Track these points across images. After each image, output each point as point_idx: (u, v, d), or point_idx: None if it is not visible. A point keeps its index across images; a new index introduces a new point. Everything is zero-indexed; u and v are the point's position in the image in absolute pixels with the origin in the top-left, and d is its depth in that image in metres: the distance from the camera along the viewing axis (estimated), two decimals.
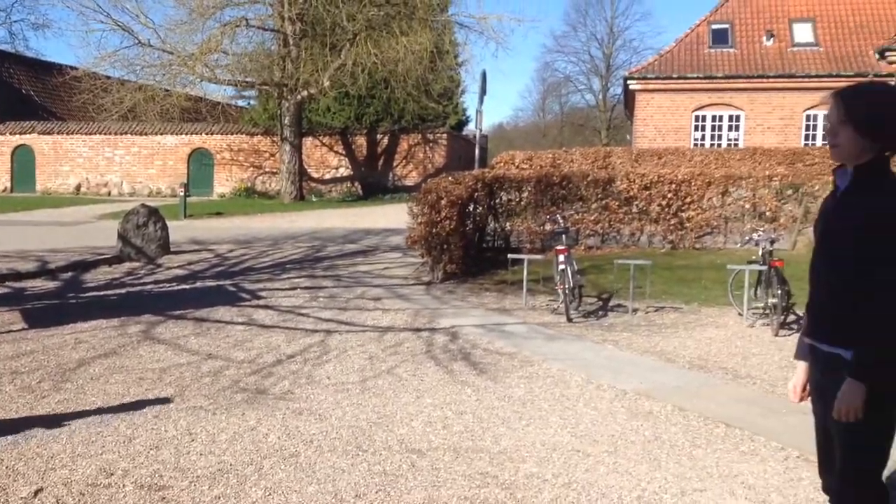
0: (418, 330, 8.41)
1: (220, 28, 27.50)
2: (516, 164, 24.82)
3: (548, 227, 13.08)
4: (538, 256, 11.37)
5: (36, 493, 4.07)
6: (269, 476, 4.41)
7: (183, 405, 5.64)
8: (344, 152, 34.48)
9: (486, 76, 21.66)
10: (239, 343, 7.66)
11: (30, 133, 35.45)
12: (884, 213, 2.68)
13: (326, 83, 27.81)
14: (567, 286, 9.10)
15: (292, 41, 28.05)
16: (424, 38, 26.79)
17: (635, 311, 9.52)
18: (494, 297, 10.51)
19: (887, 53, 27.27)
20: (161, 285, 11.21)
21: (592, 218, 14.10)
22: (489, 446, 4.93)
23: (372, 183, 33.63)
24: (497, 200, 13.98)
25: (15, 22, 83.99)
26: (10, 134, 35.47)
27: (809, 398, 3.09)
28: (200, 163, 34.32)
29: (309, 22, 27.83)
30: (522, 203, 14.07)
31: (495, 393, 6.10)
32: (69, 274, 11.66)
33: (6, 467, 4.40)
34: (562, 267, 9.22)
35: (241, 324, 8.58)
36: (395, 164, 34.65)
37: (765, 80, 28.19)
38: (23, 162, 35.56)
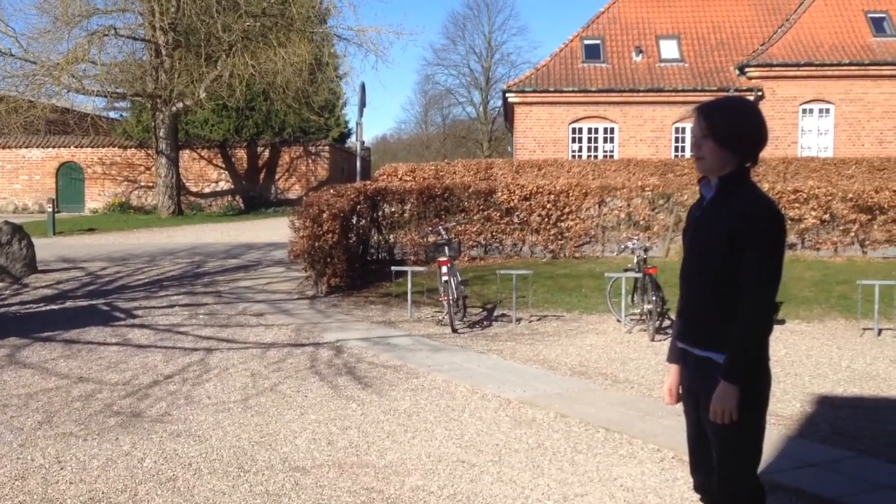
0: (302, 345, 8.29)
1: (86, 37, 26.44)
2: (399, 176, 24.86)
3: (431, 238, 13.16)
4: (422, 268, 11.42)
5: None
6: (145, 503, 4.24)
7: (52, 431, 5.36)
8: (224, 165, 33.74)
9: (364, 88, 21.75)
10: (113, 364, 7.35)
11: None
12: (745, 222, 2.82)
13: (203, 95, 27.17)
14: (451, 297, 9.17)
15: (165, 51, 27.27)
16: (303, 50, 26.58)
17: (519, 320, 9.68)
18: (379, 310, 10.48)
19: (747, 70, 28.89)
20: (27, 306, 10.64)
21: (475, 229, 14.26)
22: (374, 461, 4.90)
23: (254, 196, 33.03)
24: (380, 213, 13.95)
25: None
26: None
27: (682, 401, 3.21)
28: (70, 177, 32.86)
29: (182, 32, 27.14)
30: (406, 215, 14.10)
31: (381, 406, 6.07)
32: None
33: None
34: (445, 278, 9.29)
35: (115, 344, 8.23)
36: (277, 177, 34.16)
37: (636, 93, 29.30)
38: None
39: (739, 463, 2.93)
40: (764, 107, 26.54)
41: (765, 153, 3.22)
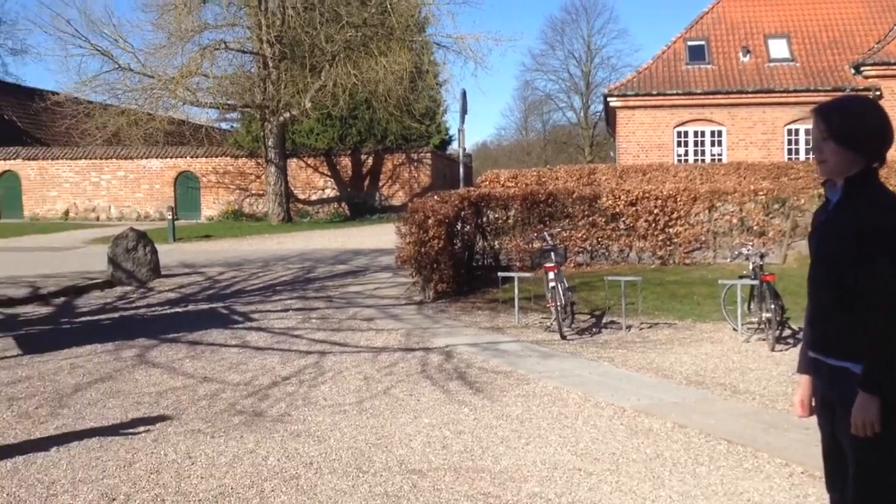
0: (412, 350, 8.41)
1: (199, 51, 27.55)
2: (501, 182, 24.91)
3: (537, 244, 13.13)
4: (528, 274, 11.40)
5: None
6: (271, 499, 4.40)
7: (181, 428, 5.62)
8: (329, 173, 34.53)
9: (465, 95, 21.80)
10: (234, 366, 7.64)
11: (14, 158, 35.30)
12: (875, 225, 2.72)
13: (308, 104, 27.89)
14: (559, 303, 9.13)
15: (272, 63, 28.14)
16: (403, 58, 26.94)
17: (629, 327, 9.55)
18: (487, 316, 10.52)
19: (862, 68, 27.66)
20: (153, 309, 11.17)
21: (580, 235, 14.16)
22: (490, 466, 4.94)
23: (359, 203, 33.67)
24: (484, 219, 14.02)
25: None
26: None
27: (815, 413, 3.11)
28: (187, 186, 34.28)
29: (288, 44, 27.94)
30: (510, 221, 14.12)
31: (493, 412, 6.10)
32: (62, 299, 11.60)
33: (7, 494, 4.36)
34: (552, 284, 9.25)
35: (235, 346, 8.56)
36: (380, 183, 34.72)
37: (744, 95, 28.46)
38: (9, 188, 35.39)
39: (878, 477, 2.81)
40: (883, 106, 25.32)
41: (890, 154, 3.09)
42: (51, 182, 35.20)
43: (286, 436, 5.50)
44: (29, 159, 35.32)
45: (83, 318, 10.36)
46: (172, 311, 11.01)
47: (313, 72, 27.74)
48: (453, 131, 40.09)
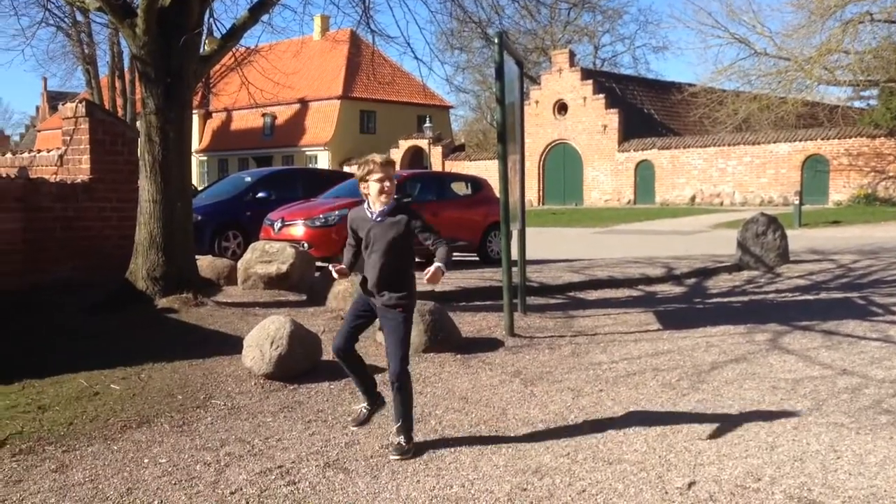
0: None
1: (841, 26, 26.12)
2: None
3: None
4: None
5: (689, 485, 4.29)
6: None
7: (822, 420, 5.40)
8: None
9: None
10: (876, 360, 7.09)
11: (650, 149, 38.20)
12: None
13: None
14: None
15: None
16: None
17: None
18: None
19: None
20: (782, 294, 11.01)
21: None
22: None
23: None
24: None
25: (638, 47, 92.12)
26: (634, 150, 38.68)
27: None
28: (814, 170, 32.96)
29: None
30: None
31: None
32: (692, 280, 12.17)
33: (659, 457, 4.72)
34: None
35: (876, 339, 7.93)
36: None
37: None
38: (644, 176, 38.50)
39: None
40: None
41: None
42: (680, 170, 37.19)
43: None
44: (662, 149, 37.85)
45: (714, 300, 10.70)
46: (802, 297, 10.69)
47: None
48: None
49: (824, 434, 5.11)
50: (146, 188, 9.20)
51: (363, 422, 5.10)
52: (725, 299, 10.72)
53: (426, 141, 43.83)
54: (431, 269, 4.60)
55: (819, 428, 5.24)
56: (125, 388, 6.15)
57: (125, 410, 5.65)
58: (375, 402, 5.11)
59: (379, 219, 4.75)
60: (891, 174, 30.95)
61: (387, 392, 5.06)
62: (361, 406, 5.11)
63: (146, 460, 4.72)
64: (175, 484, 4.36)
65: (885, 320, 8.91)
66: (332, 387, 6.26)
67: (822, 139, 32.80)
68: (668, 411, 5.65)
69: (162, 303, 8.84)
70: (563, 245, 20.05)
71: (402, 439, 4.76)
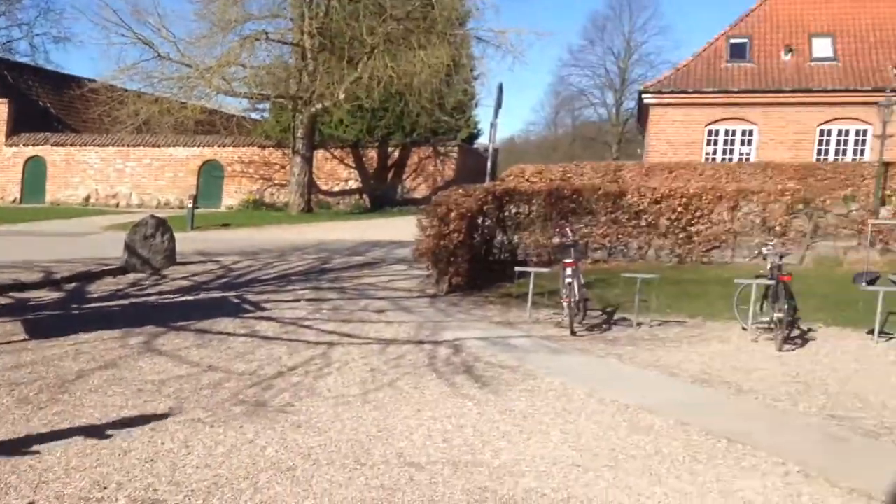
0: (421, 342, 8.36)
1: (239, 41, 27.68)
2: (526, 177, 24.75)
3: (556, 240, 13.02)
4: (545, 269, 11.30)
5: None
6: (265, 490, 4.36)
7: (181, 418, 5.60)
8: (354, 165, 34.52)
9: (502, 89, 21.48)
10: (240, 355, 7.63)
11: (43, 144, 35.63)
12: None
13: (342, 96, 27.86)
14: (573, 299, 9.04)
15: (310, 54, 28.17)
16: (442, 52, 26.77)
17: (640, 324, 9.45)
18: (499, 310, 10.45)
19: None
20: (164, 296, 11.19)
21: (601, 231, 14.03)
22: (489, 460, 4.88)
23: (380, 195, 33.62)
24: (506, 213, 13.92)
25: (37, 35, 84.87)
26: (24, 145, 35.65)
27: None
28: (211, 174, 34.42)
29: (328, 36, 27.95)
30: (531, 216, 14.02)
31: (497, 406, 6.04)
32: (73, 285, 11.65)
33: None
34: (569, 280, 9.15)
35: (244, 335, 8.54)
36: (404, 176, 34.65)
37: (781, 94, 28.00)
38: (35, 173, 35.72)
39: None
40: None
41: None
42: (76, 168, 35.50)
43: (287, 426, 5.46)
44: (57, 145, 35.65)
45: (93, 304, 10.39)
46: (183, 298, 11.03)
47: (350, 63, 27.70)
48: (483, 125, 39.87)
49: (180, 431, 5.29)
50: None
51: None
52: (105, 304, 10.49)
53: None
54: None
55: (176, 426, 5.41)
56: None
57: None
58: None
59: None
60: (276, 181, 33.90)
61: None
62: None
63: None
64: None
65: (255, 316, 9.66)
66: None
67: (219, 146, 34.46)
68: (19, 427, 5.26)
69: None
70: None
71: None
